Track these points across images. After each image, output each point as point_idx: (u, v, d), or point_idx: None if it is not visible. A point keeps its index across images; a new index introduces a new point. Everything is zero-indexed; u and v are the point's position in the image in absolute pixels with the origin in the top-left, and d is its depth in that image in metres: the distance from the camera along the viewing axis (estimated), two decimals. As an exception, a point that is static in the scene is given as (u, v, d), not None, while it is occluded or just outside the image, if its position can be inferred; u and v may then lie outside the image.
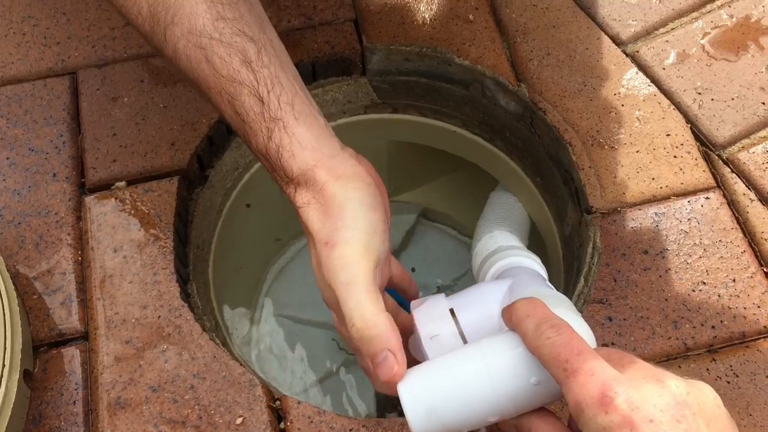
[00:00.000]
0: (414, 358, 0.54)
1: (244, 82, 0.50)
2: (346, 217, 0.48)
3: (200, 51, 0.50)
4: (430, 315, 0.52)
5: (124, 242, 0.68)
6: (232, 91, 0.50)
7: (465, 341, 0.51)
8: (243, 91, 0.50)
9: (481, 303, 0.53)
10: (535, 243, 0.85)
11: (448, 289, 1.05)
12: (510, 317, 0.43)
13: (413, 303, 0.54)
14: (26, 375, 0.61)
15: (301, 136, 0.50)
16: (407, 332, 0.53)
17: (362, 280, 0.46)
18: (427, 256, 1.08)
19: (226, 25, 0.50)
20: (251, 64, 0.50)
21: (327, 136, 0.51)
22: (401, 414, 0.62)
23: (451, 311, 0.52)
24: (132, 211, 0.70)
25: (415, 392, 0.43)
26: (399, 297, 0.91)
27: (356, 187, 0.49)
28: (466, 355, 0.44)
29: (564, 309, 0.46)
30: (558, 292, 0.55)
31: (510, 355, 0.42)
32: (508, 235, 0.77)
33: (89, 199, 0.71)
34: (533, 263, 0.65)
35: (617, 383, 0.36)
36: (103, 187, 0.72)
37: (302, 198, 0.50)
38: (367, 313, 0.45)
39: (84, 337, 0.64)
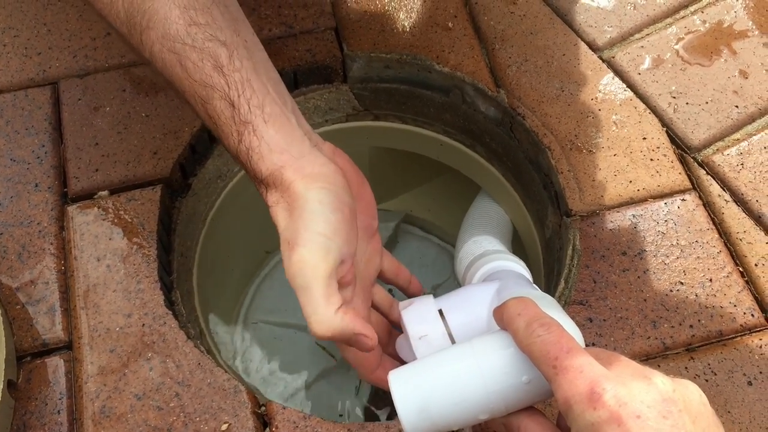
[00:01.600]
0: (401, 358, 0.55)
1: (216, 86, 0.51)
2: (306, 218, 0.48)
3: (174, 55, 0.51)
4: (420, 316, 0.52)
5: (108, 251, 0.69)
6: (204, 95, 0.51)
7: (453, 342, 0.51)
8: (214, 95, 0.51)
9: (470, 304, 0.54)
10: (517, 247, 0.86)
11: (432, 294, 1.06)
12: (501, 316, 0.44)
13: (402, 303, 0.55)
14: (10, 385, 0.60)
15: (270, 139, 0.50)
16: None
17: (318, 284, 0.47)
18: (409, 263, 1.08)
19: (198, 30, 0.51)
20: (222, 68, 0.51)
21: (298, 136, 0.52)
22: (389, 417, 0.62)
23: (440, 312, 0.53)
24: (115, 220, 0.70)
25: (407, 389, 0.43)
26: None
27: (320, 186, 0.50)
28: (458, 354, 0.44)
29: (552, 309, 0.47)
30: (545, 294, 0.56)
31: (502, 354, 0.43)
32: (492, 240, 0.78)
33: (72, 209, 0.71)
34: (519, 267, 0.66)
35: (605, 380, 0.37)
36: (86, 197, 0.72)
37: (272, 198, 0.51)
38: (323, 318, 0.46)
39: (68, 347, 0.64)
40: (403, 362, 0.54)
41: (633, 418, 0.35)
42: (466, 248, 0.75)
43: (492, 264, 0.65)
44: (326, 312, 0.47)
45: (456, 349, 0.45)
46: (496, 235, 0.79)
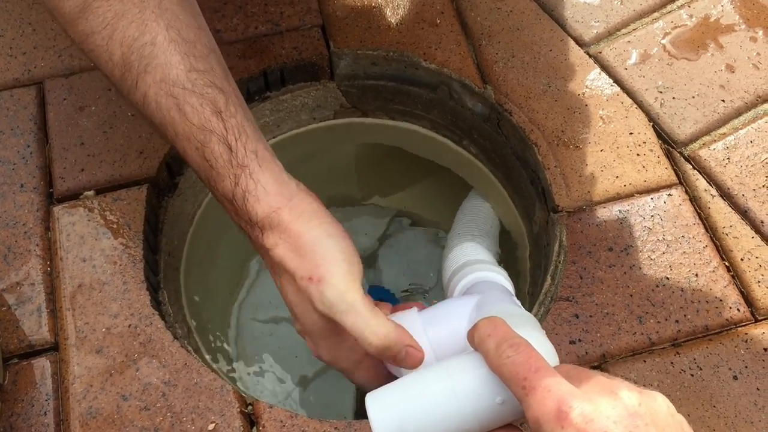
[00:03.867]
0: (388, 371, 0.55)
1: (215, 130, 0.53)
2: (323, 252, 0.51)
3: (172, 99, 0.53)
4: None
5: (94, 252, 0.68)
6: (202, 138, 0.53)
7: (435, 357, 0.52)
8: (213, 139, 0.53)
9: (449, 320, 0.55)
10: (505, 243, 0.86)
11: (422, 291, 1.06)
12: (473, 337, 0.45)
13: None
14: (-4, 387, 0.60)
15: (265, 182, 0.53)
16: None
17: (360, 303, 0.50)
18: (401, 259, 1.09)
19: (198, 76, 0.53)
20: (221, 113, 0.53)
21: (285, 179, 0.55)
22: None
23: None
24: (101, 221, 0.70)
25: (384, 413, 0.44)
26: (381, 292, 0.92)
27: (320, 222, 0.53)
28: (432, 376, 0.45)
29: (527, 328, 0.47)
30: (523, 310, 0.56)
31: (475, 375, 0.44)
32: (477, 248, 0.78)
33: (58, 209, 0.71)
34: (500, 278, 0.66)
35: (572, 398, 0.37)
36: (72, 197, 0.72)
37: (270, 240, 0.53)
38: (376, 328, 0.49)
39: (54, 348, 0.64)
40: (390, 375, 0.55)
41: None
42: (451, 256, 0.75)
43: (473, 275, 0.65)
44: (379, 322, 0.50)
45: (431, 371, 0.46)
46: (481, 241, 0.79)
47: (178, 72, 0.53)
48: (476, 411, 0.43)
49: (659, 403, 0.38)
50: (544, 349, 0.45)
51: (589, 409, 0.36)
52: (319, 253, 0.51)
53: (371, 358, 0.55)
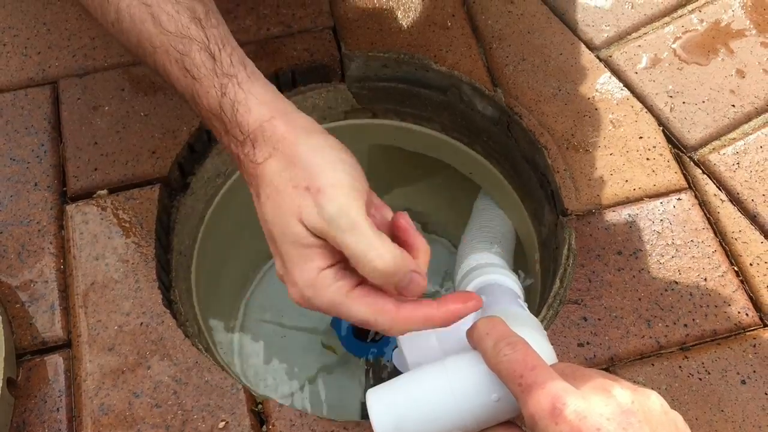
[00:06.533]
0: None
1: (195, 38, 0.49)
2: (323, 163, 0.45)
3: (145, 8, 0.49)
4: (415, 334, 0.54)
5: (106, 250, 0.69)
6: (181, 48, 0.49)
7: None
8: (193, 47, 0.48)
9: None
10: (515, 246, 0.86)
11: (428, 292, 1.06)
12: (472, 336, 0.45)
13: None
14: (10, 383, 0.61)
15: (257, 92, 0.48)
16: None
17: (363, 221, 0.43)
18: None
19: None
20: (201, 21, 0.49)
21: (281, 96, 0.50)
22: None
23: None
24: (114, 219, 0.71)
25: (384, 407, 0.45)
26: None
27: (319, 135, 0.47)
28: (431, 373, 0.46)
29: (528, 328, 0.48)
30: (527, 312, 0.57)
31: (472, 373, 0.45)
32: (488, 254, 0.79)
33: (71, 208, 0.72)
34: (509, 281, 0.67)
35: (567, 395, 0.38)
36: (85, 196, 0.73)
37: (261, 153, 0.47)
38: (382, 251, 0.42)
39: (67, 345, 0.65)
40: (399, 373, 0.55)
41: (593, 431, 0.36)
42: (464, 263, 0.76)
43: (482, 278, 0.65)
44: (384, 245, 0.43)
45: (430, 369, 0.47)
46: (493, 247, 0.80)
47: None
48: (473, 408, 0.44)
49: (652, 400, 0.39)
50: (543, 349, 0.46)
51: (583, 407, 0.37)
52: (317, 163, 0.44)
53: (363, 287, 0.46)
